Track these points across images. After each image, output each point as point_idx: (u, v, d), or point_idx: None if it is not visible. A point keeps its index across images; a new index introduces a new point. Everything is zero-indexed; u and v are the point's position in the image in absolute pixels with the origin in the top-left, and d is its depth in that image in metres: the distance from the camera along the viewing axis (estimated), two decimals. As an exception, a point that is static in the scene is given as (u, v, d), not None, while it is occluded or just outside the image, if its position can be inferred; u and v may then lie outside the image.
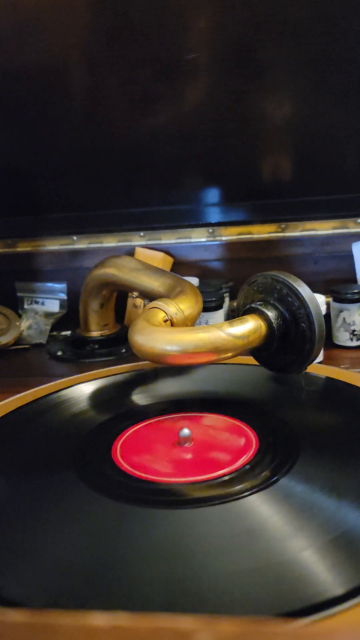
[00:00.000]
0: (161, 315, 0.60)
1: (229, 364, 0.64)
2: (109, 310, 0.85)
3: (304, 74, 0.85)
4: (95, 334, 0.84)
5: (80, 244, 0.99)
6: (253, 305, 0.57)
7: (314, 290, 0.73)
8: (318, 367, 0.65)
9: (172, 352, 0.52)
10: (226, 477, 0.44)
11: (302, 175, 0.93)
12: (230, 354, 0.53)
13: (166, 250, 0.96)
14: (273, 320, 0.55)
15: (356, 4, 0.80)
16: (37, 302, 0.99)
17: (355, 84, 0.85)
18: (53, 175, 0.98)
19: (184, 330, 0.54)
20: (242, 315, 0.57)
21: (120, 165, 0.96)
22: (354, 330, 0.78)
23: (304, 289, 0.55)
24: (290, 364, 0.57)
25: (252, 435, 0.50)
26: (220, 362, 0.55)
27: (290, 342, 0.56)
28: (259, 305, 0.57)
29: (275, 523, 0.39)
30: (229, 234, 0.96)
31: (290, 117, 0.89)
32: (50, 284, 0.99)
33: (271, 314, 0.56)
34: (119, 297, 0.87)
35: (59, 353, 0.84)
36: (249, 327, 0.55)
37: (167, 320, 0.60)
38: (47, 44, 0.86)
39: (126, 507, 0.41)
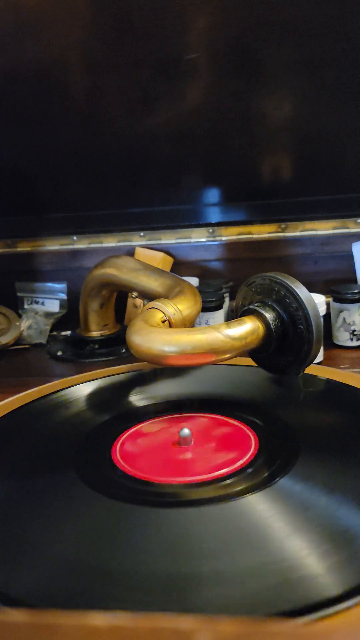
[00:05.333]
0: (159, 316, 0.60)
1: (230, 364, 0.64)
2: (109, 310, 0.85)
3: (304, 74, 0.85)
4: (95, 334, 0.84)
5: (80, 244, 0.99)
6: (251, 306, 0.57)
7: (314, 291, 0.73)
8: (316, 368, 0.65)
9: (170, 353, 0.52)
10: (226, 477, 0.44)
11: (302, 175, 0.93)
12: (227, 356, 0.53)
13: (166, 250, 0.96)
14: (271, 322, 0.55)
15: (356, 4, 0.80)
16: (37, 302, 0.99)
17: (355, 84, 0.85)
18: (53, 175, 0.98)
19: (181, 331, 0.54)
20: (240, 316, 0.57)
21: (120, 165, 0.96)
22: (354, 330, 0.78)
23: (301, 291, 0.55)
24: (288, 366, 0.57)
25: (251, 436, 0.50)
26: (219, 363, 0.55)
27: (288, 343, 0.56)
28: (257, 306, 0.57)
29: (275, 523, 0.39)
30: (229, 234, 0.96)
31: (290, 117, 0.89)
32: (50, 284, 0.99)
33: (269, 315, 0.56)
34: (119, 297, 0.87)
35: (59, 353, 0.84)
36: (246, 328, 0.55)
37: (165, 321, 0.60)
38: (47, 44, 0.86)
39: (126, 507, 0.41)
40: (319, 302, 0.72)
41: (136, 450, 0.49)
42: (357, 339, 0.78)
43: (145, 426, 0.54)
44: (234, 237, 0.95)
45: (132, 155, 0.94)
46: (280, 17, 0.81)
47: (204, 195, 0.96)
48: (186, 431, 0.49)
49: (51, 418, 0.57)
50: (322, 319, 0.57)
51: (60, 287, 0.99)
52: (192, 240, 0.96)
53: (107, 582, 0.34)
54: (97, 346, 0.84)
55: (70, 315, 0.95)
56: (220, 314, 0.81)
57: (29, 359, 0.85)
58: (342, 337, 0.79)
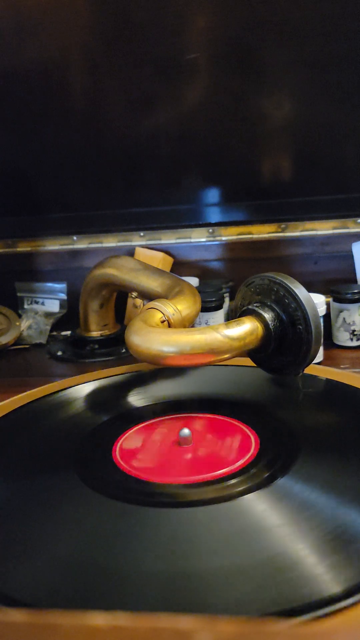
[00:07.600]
0: (158, 316, 0.60)
1: (230, 365, 0.64)
2: (109, 310, 0.85)
3: (304, 74, 0.86)
4: (95, 334, 0.84)
5: (80, 244, 0.99)
6: (250, 306, 0.57)
7: (314, 290, 0.73)
8: (316, 368, 0.65)
9: (169, 353, 0.52)
10: (226, 477, 0.44)
11: (302, 175, 0.93)
12: (226, 356, 0.53)
13: (166, 250, 0.96)
14: (270, 322, 0.55)
15: (356, 4, 0.80)
16: (37, 302, 0.99)
17: (355, 84, 0.85)
18: (53, 175, 0.98)
19: (180, 332, 0.54)
20: (239, 316, 0.57)
21: (120, 165, 0.96)
22: (354, 330, 0.78)
23: (300, 291, 0.55)
24: (287, 366, 0.57)
25: (252, 436, 0.50)
26: (218, 363, 0.55)
27: (287, 344, 0.56)
28: (256, 307, 0.57)
29: (275, 522, 0.39)
30: (229, 234, 0.96)
31: (290, 117, 0.89)
32: (50, 284, 0.99)
33: (268, 315, 0.56)
34: (119, 297, 0.87)
35: (59, 353, 0.84)
36: (245, 329, 0.54)
37: (164, 321, 0.60)
38: (47, 44, 0.86)
39: (126, 507, 0.41)
40: (318, 302, 0.72)
41: (136, 450, 0.49)
42: (357, 339, 0.78)
43: (145, 426, 0.54)
44: (234, 237, 0.95)
45: (132, 155, 0.94)
46: (280, 17, 0.81)
47: (204, 195, 0.96)
48: (186, 431, 0.49)
49: (51, 418, 0.57)
50: (321, 319, 0.57)
51: (60, 287, 0.99)
52: (192, 240, 0.96)
53: (107, 582, 0.34)
54: (97, 346, 0.84)
55: (70, 315, 0.95)
56: (220, 314, 0.81)
57: (29, 359, 0.85)
58: (342, 337, 0.79)
